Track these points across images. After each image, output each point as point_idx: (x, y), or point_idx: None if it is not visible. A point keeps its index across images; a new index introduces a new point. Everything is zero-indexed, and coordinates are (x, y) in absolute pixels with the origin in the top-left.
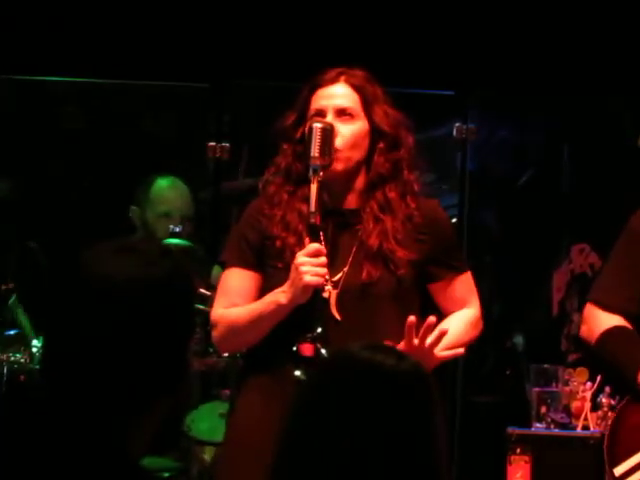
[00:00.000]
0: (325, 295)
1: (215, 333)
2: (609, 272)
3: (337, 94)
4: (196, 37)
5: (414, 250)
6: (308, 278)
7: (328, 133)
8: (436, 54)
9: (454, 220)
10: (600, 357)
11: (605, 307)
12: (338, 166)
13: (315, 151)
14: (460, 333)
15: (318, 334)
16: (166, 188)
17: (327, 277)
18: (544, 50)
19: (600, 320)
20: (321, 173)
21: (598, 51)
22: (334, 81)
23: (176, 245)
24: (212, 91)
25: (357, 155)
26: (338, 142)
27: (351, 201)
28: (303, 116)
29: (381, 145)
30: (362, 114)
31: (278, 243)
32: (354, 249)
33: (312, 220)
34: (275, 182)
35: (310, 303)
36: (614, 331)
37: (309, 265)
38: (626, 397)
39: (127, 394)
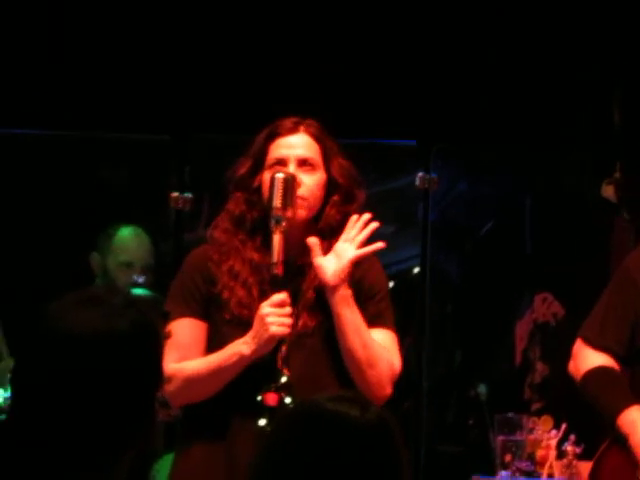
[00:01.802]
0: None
1: (170, 388)
2: (600, 310)
3: (298, 144)
4: (157, 90)
5: None
6: (274, 329)
7: (290, 184)
8: (398, 104)
9: (416, 270)
10: (583, 394)
11: (593, 345)
12: (301, 214)
13: (277, 201)
14: (377, 345)
15: (282, 384)
16: (129, 237)
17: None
18: (509, 101)
19: (587, 358)
20: (284, 224)
21: (563, 105)
22: (293, 130)
23: (140, 295)
24: (173, 143)
25: (316, 205)
26: (303, 191)
27: (301, 254)
28: (260, 165)
29: (336, 197)
30: (321, 165)
31: (226, 294)
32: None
33: (275, 270)
34: (224, 228)
35: (273, 353)
36: (599, 371)
37: (275, 316)
38: (606, 440)
39: (93, 447)
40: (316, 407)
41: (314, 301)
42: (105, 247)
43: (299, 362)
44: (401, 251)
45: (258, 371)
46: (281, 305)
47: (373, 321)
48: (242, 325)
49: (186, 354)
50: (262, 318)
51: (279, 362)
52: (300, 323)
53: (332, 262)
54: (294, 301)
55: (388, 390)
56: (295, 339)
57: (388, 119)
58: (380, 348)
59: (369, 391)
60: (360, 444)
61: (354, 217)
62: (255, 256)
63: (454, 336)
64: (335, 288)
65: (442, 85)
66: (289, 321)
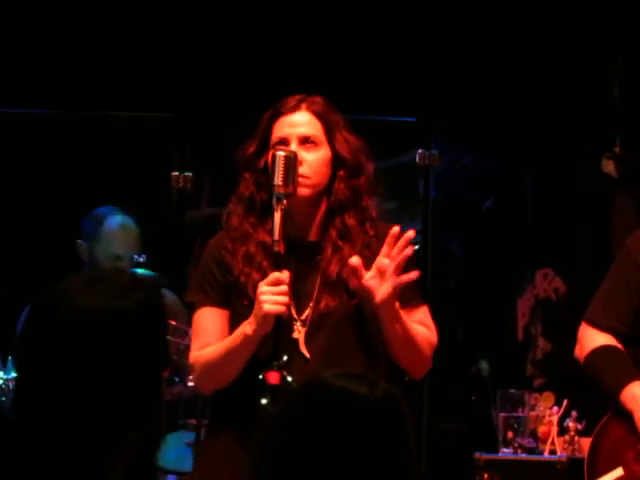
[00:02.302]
0: (295, 336)
1: (194, 375)
2: (603, 291)
3: (300, 122)
4: (160, 68)
5: None
6: (267, 307)
7: (291, 161)
8: (398, 81)
9: (416, 247)
10: (588, 374)
11: (596, 326)
12: (303, 192)
13: (279, 179)
14: (418, 331)
15: (284, 362)
16: (117, 229)
17: (290, 306)
18: (510, 78)
19: (591, 339)
20: (285, 201)
21: (563, 82)
22: (296, 109)
23: (143, 275)
24: (177, 121)
25: (320, 182)
26: (304, 169)
27: (313, 231)
28: (265, 145)
29: (342, 172)
30: (325, 141)
31: (242, 279)
32: (317, 283)
33: (276, 248)
34: (237, 213)
35: (274, 332)
36: (601, 350)
37: (269, 294)
38: (608, 412)
39: (97, 425)
40: (324, 384)
41: (335, 280)
42: (93, 236)
43: (321, 342)
44: (403, 228)
45: (275, 349)
46: (277, 283)
47: (409, 302)
48: None
49: (209, 341)
50: (257, 297)
51: (300, 343)
52: (322, 304)
53: (377, 282)
54: (305, 279)
55: (429, 364)
56: (317, 319)
57: (388, 96)
58: (422, 335)
59: (413, 369)
60: (368, 421)
61: (395, 230)
62: (267, 238)
63: (456, 312)
64: (385, 307)
65: (442, 62)
66: (284, 299)
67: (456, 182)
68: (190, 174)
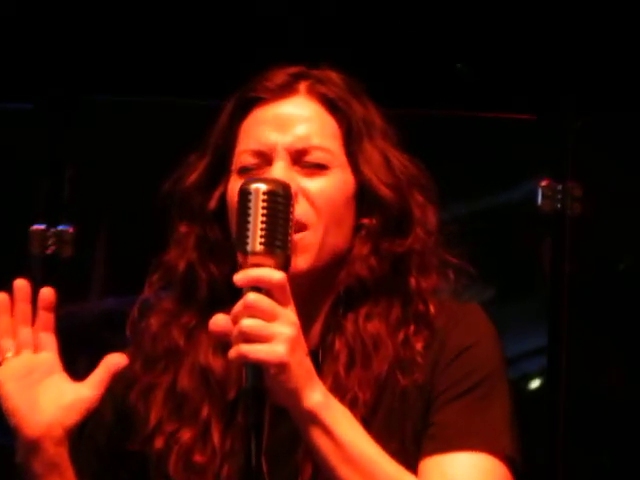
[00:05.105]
0: None
1: None
2: None
3: (294, 119)
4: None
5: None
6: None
7: (280, 201)
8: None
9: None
10: None
11: None
12: (302, 263)
13: (256, 241)
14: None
15: None
16: None
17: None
18: None
19: None
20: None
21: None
22: (287, 92)
23: None
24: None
25: (335, 237)
26: (303, 210)
27: (313, 334)
28: (222, 165)
29: (371, 221)
30: (343, 158)
31: (158, 443)
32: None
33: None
34: (161, 309)
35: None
36: None
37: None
38: None
39: None
40: None
41: None
42: None
43: None
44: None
45: None
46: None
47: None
48: None
49: None
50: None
51: None
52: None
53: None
54: (288, 430)
55: None
56: None
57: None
58: None
59: None
60: None
61: None
62: (214, 360)
63: None
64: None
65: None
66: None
67: None
68: (69, 228)
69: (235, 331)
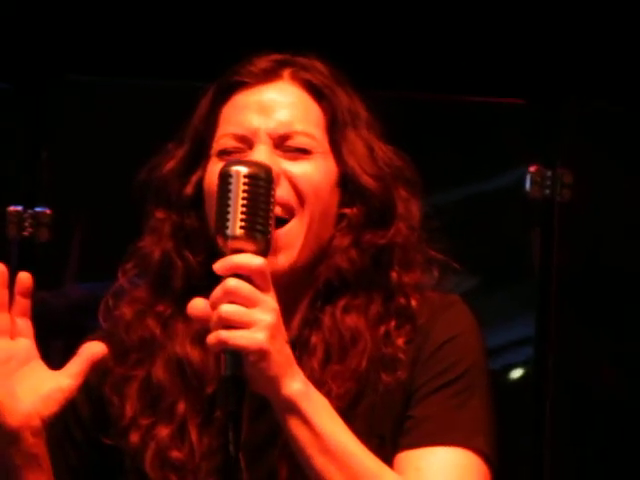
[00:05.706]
0: None
1: None
2: None
3: (276, 104)
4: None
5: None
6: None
7: (262, 185)
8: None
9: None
10: None
11: None
12: (284, 261)
13: (236, 225)
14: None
15: None
16: None
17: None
18: None
19: None
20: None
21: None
22: (270, 78)
23: None
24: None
25: (320, 228)
26: (282, 192)
27: (294, 325)
28: (201, 152)
29: (352, 211)
30: (326, 145)
31: (134, 437)
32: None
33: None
34: (134, 297)
35: None
36: None
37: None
38: None
39: None
40: None
41: None
42: None
43: None
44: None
45: None
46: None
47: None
48: None
49: None
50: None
51: None
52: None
53: None
54: (266, 423)
55: None
56: None
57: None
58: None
59: None
60: None
61: None
62: (192, 351)
63: None
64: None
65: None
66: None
67: None
68: (46, 210)
69: (214, 317)
